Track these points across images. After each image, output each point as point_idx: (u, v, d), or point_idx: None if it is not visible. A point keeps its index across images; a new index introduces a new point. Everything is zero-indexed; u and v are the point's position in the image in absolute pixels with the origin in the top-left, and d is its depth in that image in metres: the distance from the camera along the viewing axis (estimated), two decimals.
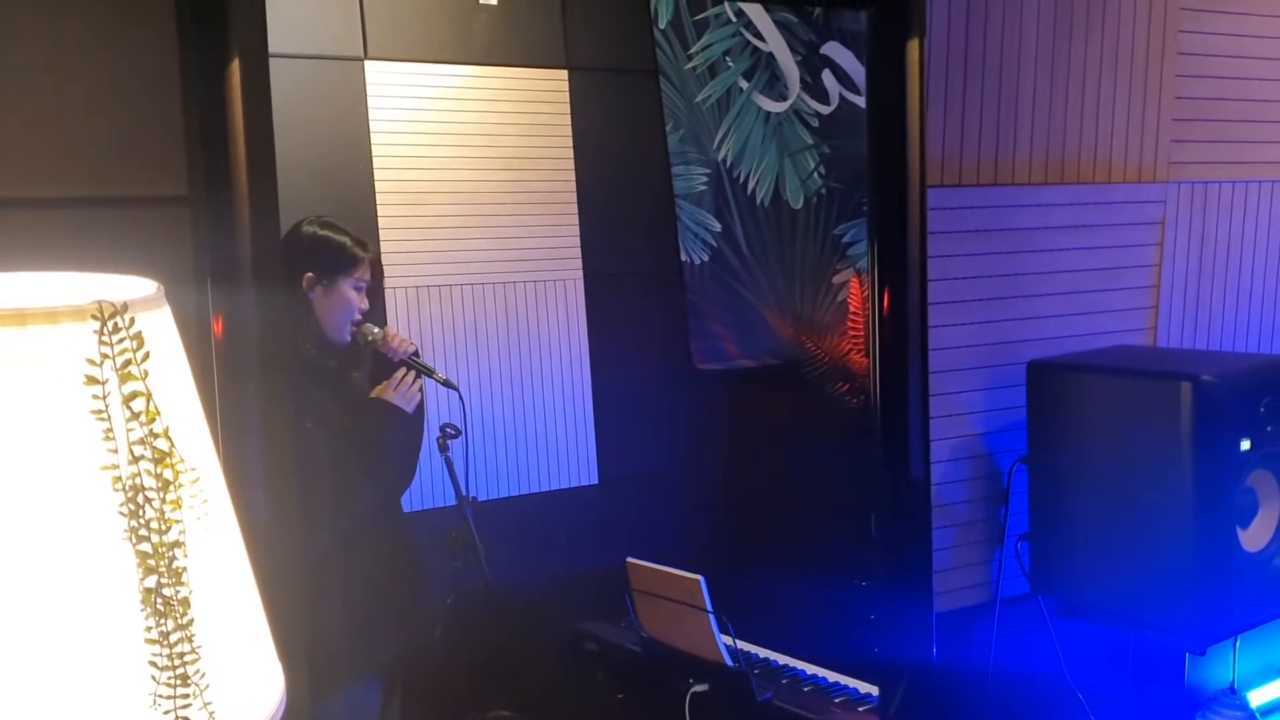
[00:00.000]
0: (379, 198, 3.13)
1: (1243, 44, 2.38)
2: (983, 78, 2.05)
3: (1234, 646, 2.24)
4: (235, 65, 1.30)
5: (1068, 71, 2.15)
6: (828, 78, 3.82)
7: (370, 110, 3.12)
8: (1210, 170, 2.39)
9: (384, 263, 3.10)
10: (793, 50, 3.77)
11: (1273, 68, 2.44)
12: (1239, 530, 1.88)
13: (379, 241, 3.10)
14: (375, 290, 2.61)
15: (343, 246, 2.48)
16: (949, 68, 2.00)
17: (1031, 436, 2.07)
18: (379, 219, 3.13)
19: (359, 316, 2.50)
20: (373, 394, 2.54)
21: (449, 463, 2.80)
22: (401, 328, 3.08)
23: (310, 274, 2.43)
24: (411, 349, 2.61)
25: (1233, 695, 2.25)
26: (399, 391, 2.53)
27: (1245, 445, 1.84)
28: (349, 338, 2.49)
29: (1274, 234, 2.50)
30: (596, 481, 3.49)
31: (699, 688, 2.38)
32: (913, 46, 1.84)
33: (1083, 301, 2.25)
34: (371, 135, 3.11)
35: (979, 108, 2.06)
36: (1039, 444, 2.06)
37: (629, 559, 2.60)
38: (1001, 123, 2.09)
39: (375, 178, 3.13)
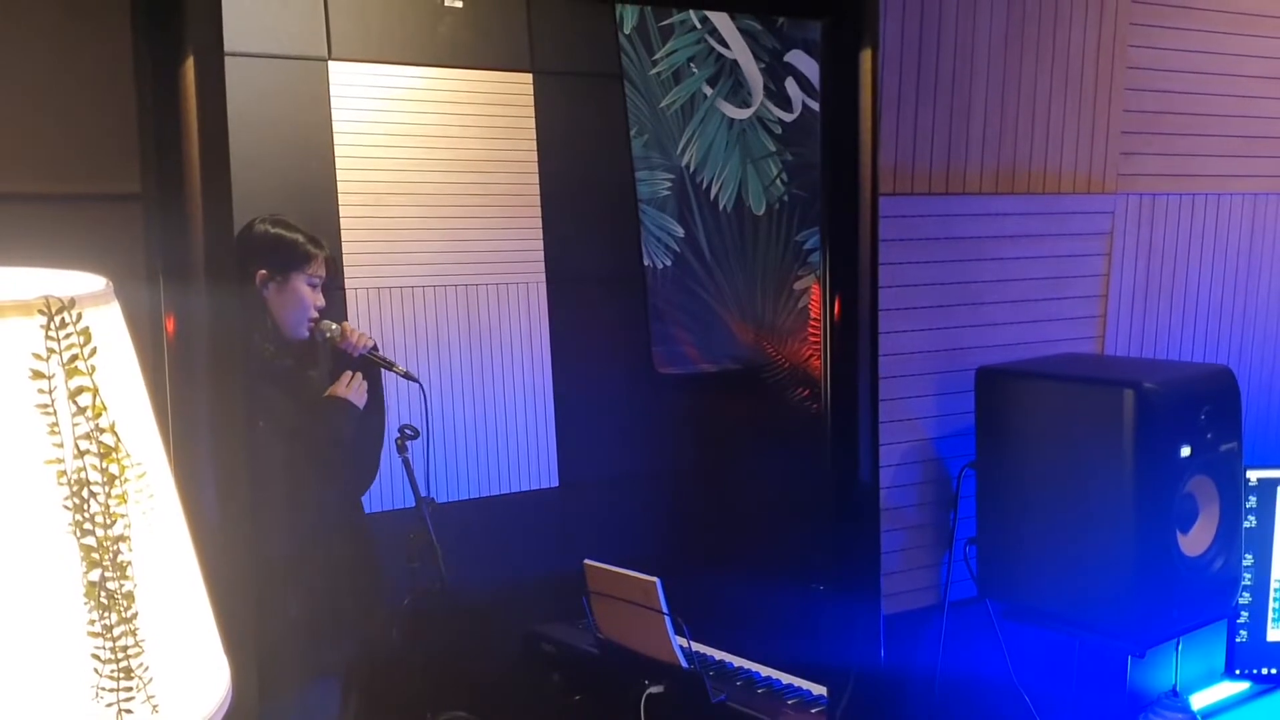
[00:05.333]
0: (341, 198, 3.13)
1: (1190, 59, 2.43)
2: (935, 88, 2.08)
3: (1176, 650, 2.28)
4: (189, 63, 1.30)
5: (1019, 83, 2.19)
6: (791, 85, 3.85)
7: (333, 110, 3.12)
8: (1158, 183, 2.43)
9: (345, 264, 3.10)
10: (756, 58, 3.80)
11: (1220, 82, 2.49)
12: (1179, 535, 1.91)
13: (340, 242, 3.10)
14: (331, 289, 2.62)
15: (295, 243, 2.49)
16: (902, 78, 2.03)
17: (980, 442, 2.10)
18: (340, 219, 3.13)
19: (315, 313, 2.51)
20: (327, 393, 2.55)
21: (407, 464, 2.80)
22: (362, 328, 3.07)
23: (263, 271, 2.44)
24: (370, 343, 2.62)
25: (1175, 698, 2.29)
26: (351, 388, 2.55)
27: (1186, 452, 1.88)
28: (307, 334, 2.51)
29: (1219, 246, 2.56)
30: (557, 484, 3.49)
31: (654, 689, 2.39)
32: (865, 56, 1.87)
33: (1032, 310, 2.29)
34: (334, 135, 3.11)
35: (931, 118, 2.09)
36: (987, 449, 2.09)
37: (587, 561, 2.62)
38: (954, 133, 2.12)
39: (337, 178, 3.12)
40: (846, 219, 1.93)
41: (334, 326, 2.56)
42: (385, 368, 2.66)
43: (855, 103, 1.89)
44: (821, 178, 1.99)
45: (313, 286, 2.50)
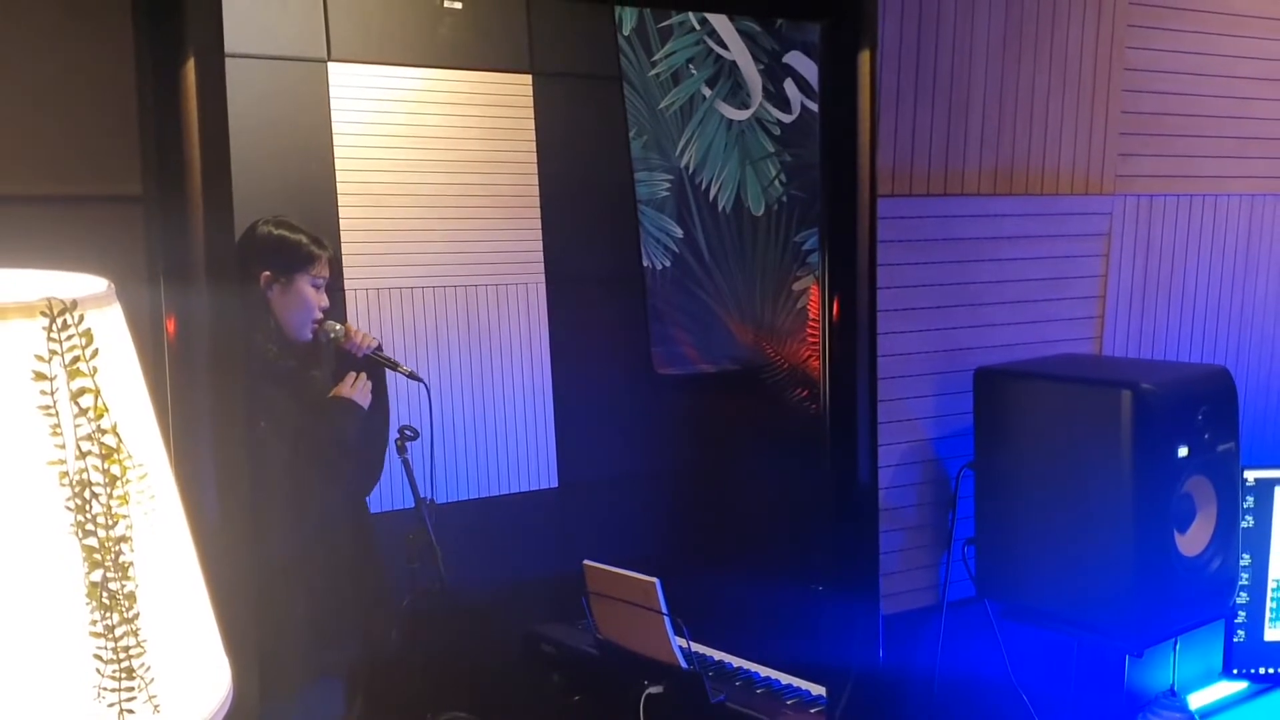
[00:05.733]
0: (340, 199, 3.13)
1: (1188, 60, 2.44)
2: (933, 90, 2.09)
3: (1174, 649, 2.29)
4: (190, 64, 1.30)
5: (1017, 85, 2.20)
6: (789, 86, 3.86)
7: (333, 112, 3.12)
8: (1155, 184, 2.44)
9: (345, 264, 3.10)
10: (755, 59, 3.80)
11: (1217, 84, 2.50)
12: (1176, 535, 1.92)
13: (340, 243, 3.10)
14: (331, 290, 2.63)
15: (299, 244, 2.49)
16: (900, 80, 2.04)
17: (978, 442, 2.11)
18: (340, 220, 3.13)
19: (319, 314, 2.52)
20: (331, 393, 2.56)
21: (407, 465, 2.81)
22: (361, 329, 3.08)
23: (267, 272, 2.44)
24: (374, 344, 2.62)
25: (1173, 697, 2.30)
26: (356, 388, 2.55)
27: (1183, 452, 1.89)
28: (310, 335, 2.51)
29: (1216, 247, 2.56)
30: (556, 485, 3.50)
31: (654, 689, 2.39)
32: (864, 58, 1.88)
33: (1030, 310, 2.29)
34: (334, 137, 3.11)
35: (930, 119, 2.10)
36: (985, 450, 2.10)
37: (586, 561, 2.62)
38: (952, 134, 2.13)
39: (337, 179, 3.13)
40: (845, 220, 1.94)
41: (338, 327, 2.56)
42: (390, 368, 2.66)
43: (854, 104, 1.90)
44: (820, 179, 2.00)
45: (316, 287, 2.51)
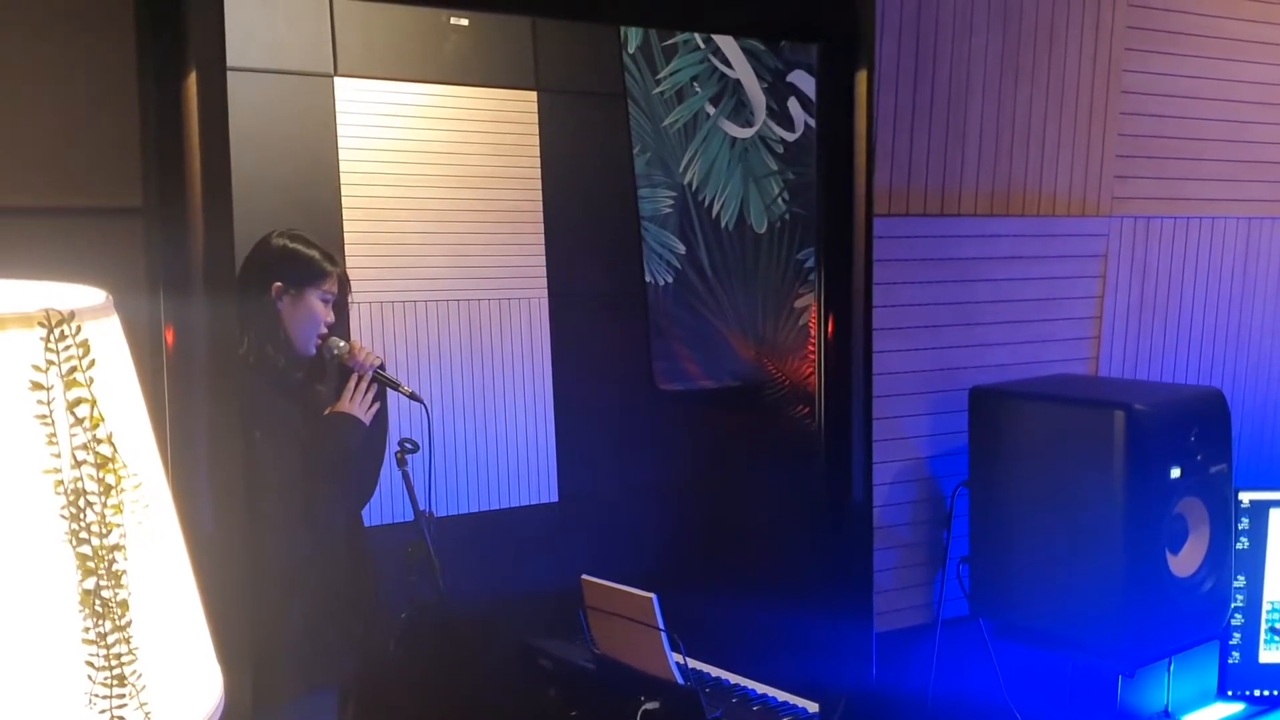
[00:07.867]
0: (345, 214, 3.15)
1: (1184, 84, 2.46)
2: (931, 111, 2.11)
3: (1168, 670, 2.29)
4: (192, 77, 1.32)
5: (1014, 107, 2.21)
6: (793, 105, 3.87)
7: (339, 127, 3.14)
8: (1152, 206, 2.45)
9: (349, 278, 3.11)
10: (759, 78, 3.82)
11: (1213, 107, 2.51)
12: (1169, 556, 1.93)
13: (344, 256, 3.12)
14: (340, 305, 2.64)
15: (311, 259, 2.51)
16: (898, 100, 2.05)
17: (973, 461, 2.12)
18: (345, 234, 3.15)
19: (324, 329, 2.53)
20: (332, 408, 2.56)
21: (407, 478, 2.81)
22: (365, 342, 3.09)
23: (279, 283, 2.46)
24: (378, 362, 2.63)
25: (1167, 718, 2.30)
26: (355, 402, 2.56)
27: (1175, 473, 1.90)
28: (314, 350, 2.52)
29: (1212, 269, 2.57)
30: (556, 499, 3.50)
31: (650, 705, 2.39)
32: (861, 78, 1.90)
33: (1026, 331, 2.31)
34: (340, 151, 3.13)
35: (927, 140, 2.11)
36: (980, 469, 2.11)
37: (584, 576, 2.62)
38: (949, 155, 2.14)
39: (342, 194, 3.15)
40: (841, 239, 1.95)
41: (341, 344, 2.57)
42: (391, 388, 2.67)
43: (851, 124, 1.91)
44: (817, 198, 2.01)
45: (325, 302, 2.53)
